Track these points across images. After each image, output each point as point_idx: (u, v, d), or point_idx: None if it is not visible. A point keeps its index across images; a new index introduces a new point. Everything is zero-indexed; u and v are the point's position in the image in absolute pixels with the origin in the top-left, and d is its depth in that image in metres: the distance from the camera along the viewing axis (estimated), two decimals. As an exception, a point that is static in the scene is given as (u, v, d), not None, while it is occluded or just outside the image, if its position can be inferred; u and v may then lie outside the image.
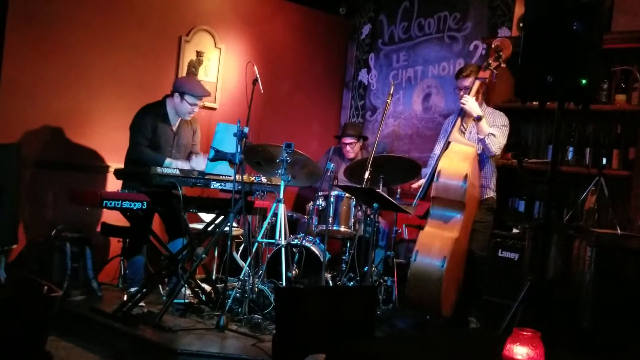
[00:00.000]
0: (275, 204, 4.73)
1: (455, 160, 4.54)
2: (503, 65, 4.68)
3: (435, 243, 4.47)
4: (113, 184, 4.89)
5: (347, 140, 6.01)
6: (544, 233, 3.79)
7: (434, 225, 4.58)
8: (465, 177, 4.44)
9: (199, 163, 4.81)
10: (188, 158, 5.01)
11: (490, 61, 4.67)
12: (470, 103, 4.61)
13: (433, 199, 4.59)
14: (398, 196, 5.33)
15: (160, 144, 4.84)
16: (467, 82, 4.75)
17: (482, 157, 4.70)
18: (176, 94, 4.82)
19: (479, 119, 4.60)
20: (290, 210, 6.05)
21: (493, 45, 4.70)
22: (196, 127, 5.13)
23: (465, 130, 4.76)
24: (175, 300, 4.48)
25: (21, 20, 4.84)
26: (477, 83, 4.68)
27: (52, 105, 5.06)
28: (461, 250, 4.56)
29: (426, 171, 4.92)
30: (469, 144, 4.64)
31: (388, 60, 6.77)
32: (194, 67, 5.83)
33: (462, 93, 4.75)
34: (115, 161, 5.10)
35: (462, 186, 4.44)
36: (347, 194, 5.15)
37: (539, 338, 2.11)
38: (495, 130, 4.62)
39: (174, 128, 4.92)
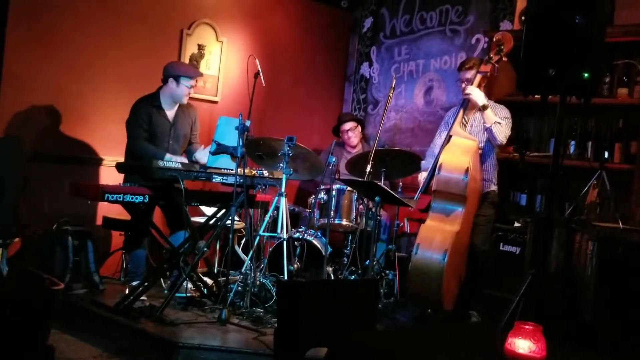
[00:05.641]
0: (276, 198, 4.72)
1: (456, 154, 4.54)
2: (504, 59, 4.66)
3: (437, 237, 4.47)
4: (116, 177, 4.88)
5: (347, 126, 5.97)
6: (545, 227, 3.78)
7: (435, 218, 4.58)
8: (467, 170, 4.43)
9: (203, 156, 4.78)
10: (187, 149, 5.00)
11: (491, 55, 4.66)
12: (475, 93, 4.59)
13: (434, 193, 4.59)
14: (400, 190, 5.34)
15: (157, 134, 4.79)
16: (469, 74, 4.74)
17: (484, 151, 4.69)
18: (171, 79, 4.77)
19: (484, 108, 4.58)
20: (292, 204, 6.05)
21: (494, 39, 4.68)
22: (195, 117, 5.06)
23: (467, 123, 4.75)
24: (176, 294, 4.48)
25: (22, 13, 4.84)
26: (479, 77, 4.67)
27: (53, 98, 5.06)
28: (462, 244, 4.56)
29: (425, 163, 4.92)
30: (470, 137, 4.64)
31: (390, 54, 6.76)
32: (195, 60, 5.82)
33: (464, 85, 4.74)
34: (116, 154, 5.09)
35: (463, 180, 4.44)
36: (348, 188, 5.15)
37: (541, 332, 2.11)
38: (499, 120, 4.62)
39: (170, 118, 4.88)
